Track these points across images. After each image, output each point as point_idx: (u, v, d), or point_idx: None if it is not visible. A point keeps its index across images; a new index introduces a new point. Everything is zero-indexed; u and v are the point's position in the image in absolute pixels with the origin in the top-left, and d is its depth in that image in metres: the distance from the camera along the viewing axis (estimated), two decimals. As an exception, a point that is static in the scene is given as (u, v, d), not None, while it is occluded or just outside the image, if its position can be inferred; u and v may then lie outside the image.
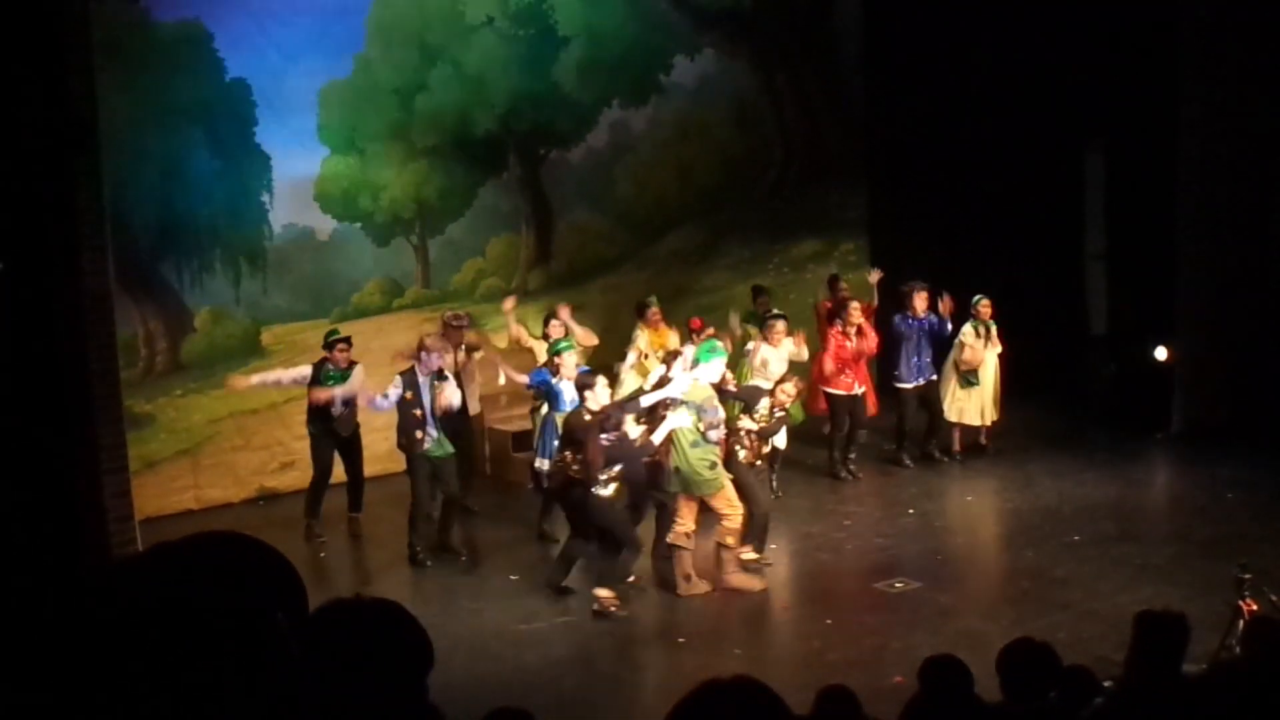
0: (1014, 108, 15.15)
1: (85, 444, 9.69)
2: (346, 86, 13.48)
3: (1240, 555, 8.92)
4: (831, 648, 9.41)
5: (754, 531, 10.57)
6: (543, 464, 11.47)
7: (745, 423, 10.74)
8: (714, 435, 10.21)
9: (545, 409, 11.61)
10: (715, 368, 10.40)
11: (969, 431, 13.67)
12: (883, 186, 16.27)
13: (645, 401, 10.25)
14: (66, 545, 9.12)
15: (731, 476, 10.35)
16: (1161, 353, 14.05)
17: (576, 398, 10.50)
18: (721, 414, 10.36)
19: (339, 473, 11.90)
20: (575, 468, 10.02)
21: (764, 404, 10.89)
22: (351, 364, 11.54)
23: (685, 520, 10.27)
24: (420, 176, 13.97)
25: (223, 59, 12.77)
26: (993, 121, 15.24)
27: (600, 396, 10.15)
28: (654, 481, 10.49)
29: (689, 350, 10.91)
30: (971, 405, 13.48)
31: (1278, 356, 13.97)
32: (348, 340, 11.59)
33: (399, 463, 12.04)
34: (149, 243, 12.55)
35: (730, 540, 10.33)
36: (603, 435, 9.90)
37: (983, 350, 13.36)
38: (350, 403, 11.56)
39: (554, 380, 11.38)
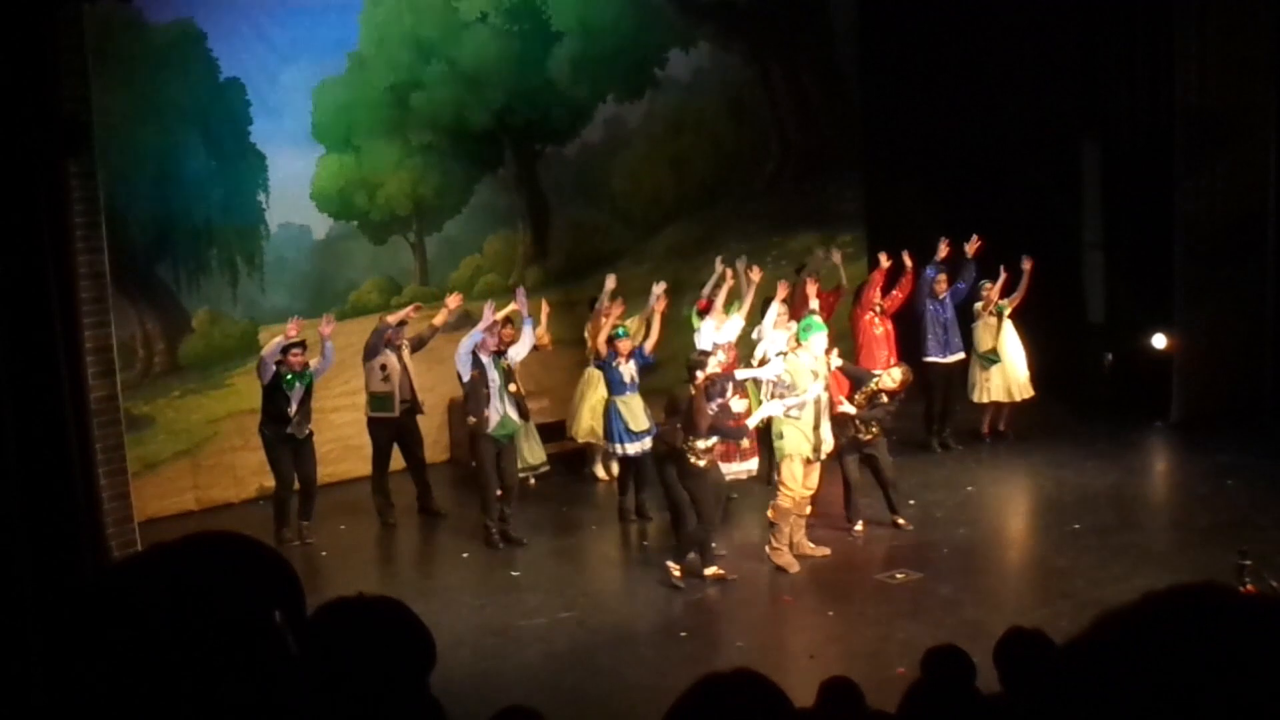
0: (1011, 97, 15.15)
1: (83, 446, 9.67)
2: (341, 84, 13.46)
3: (1240, 542, 8.95)
4: (833, 639, 9.42)
5: (850, 505, 11.30)
6: (615, 448, 11.94)
7: (844, 406, 11.13)
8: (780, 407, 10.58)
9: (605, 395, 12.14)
10: (816, 342, 10.73)
11: (997, 415, 13.71)
12: (879, 178, 16.25)
13: (740, 376, 10.74)
14: (66, 548, 9.10)
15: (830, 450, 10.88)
16: (1160, 341, 14.05)
17: (636, 377, 11.65)
18: (802, 386, 10.54)
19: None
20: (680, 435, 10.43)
21: (868, 386, 11.23)
22: (305, 366, 11.55)
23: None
24: (416, 174, 13.96)
25: (216, 59, 12.75)
26: (989, 111, 15.24)
27: (711, 367, 10.47)
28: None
29: (771, 331, 11.67)
30: (995, 384, 13.49)
31: (1276, 343, 13.98)
32: (302, 345, 11.55)
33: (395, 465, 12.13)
34: (145, 244, 12.54)
35: (770, 514, 10.68)
36: (709, 402, 10.13)
37: (994, 332, 13.38)
38: (305, 405, 11.59)
39: (615, 364, 11.82)
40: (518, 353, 11.52)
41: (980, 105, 15.26)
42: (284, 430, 11.52)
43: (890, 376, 11.22)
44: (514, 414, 11.41)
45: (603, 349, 12.17)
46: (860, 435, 11.18)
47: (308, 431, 11.67)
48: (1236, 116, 13.53)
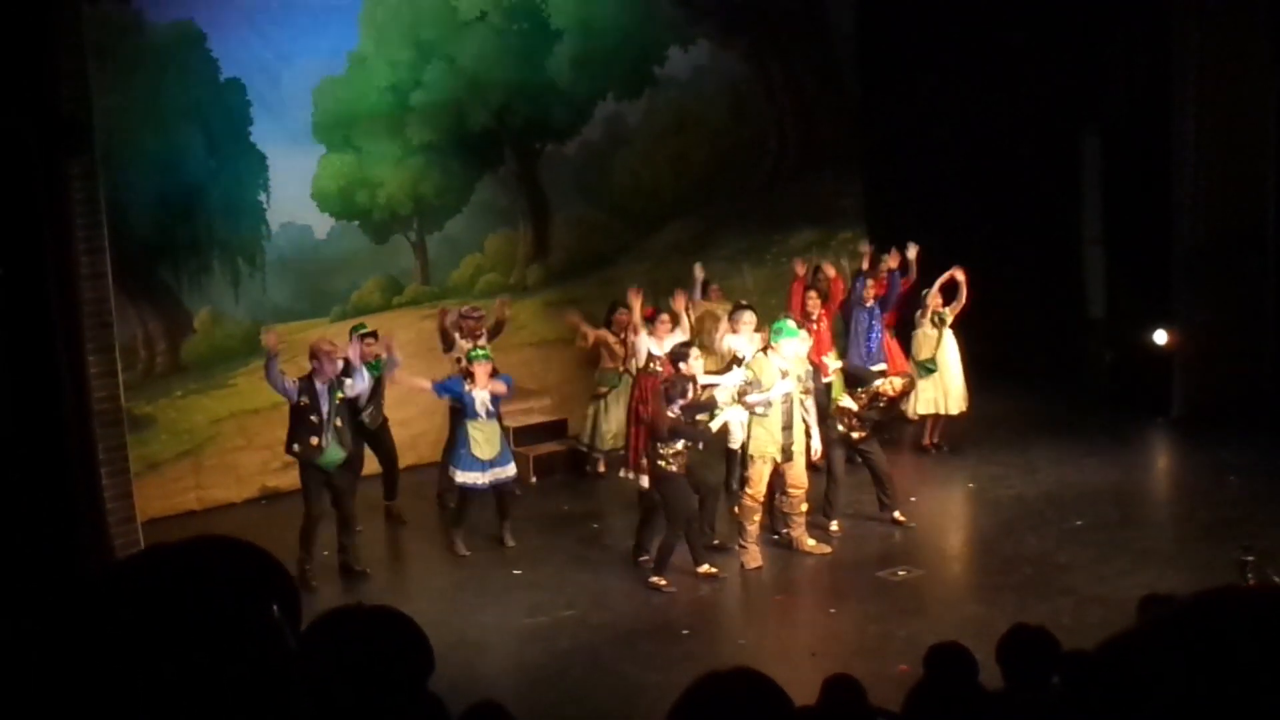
0: (1010, 92, 15.14)
1: (86, 446, 9.70)
2: (341, 84, 13.47)
3: (1242, 538, 8.96)
4: (835, 637, 9.44)
5: (831, 502, 11.27)
6: (457, 475, 11.23)
7: (845, 401, 11.23)
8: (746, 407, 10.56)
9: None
10: (787, 347, 10.58)
11: (938, 422, 13.47)
12: (879, 174, 16.25)
13: (701, 383, 10.58)
14: (68, 549, 9.13)
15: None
16: (1161, 336, 14.04)
17: (490, 408, 11.06)
18: (767, 383, 10.43)
19: (372, 465, 12.03)
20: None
21: (871, 387, 11.36)
22: (378, 358, 11.47)
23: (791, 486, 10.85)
24: (417, 173, 13.96)
25: (216, 59, 12.75)
26: (988, 106, 15.23)
27: (695, 367, 10.46)
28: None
29: (736, 338, 11.46)
30: (926, 395, 13.16)
31: (1277, 338, 13.98)
32: (374, 334, 11.57)
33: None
34: (146, 244, 12.52)
35: (736, 509, 10.81)
36: (668, 405, 10.11)
37: (934, 341, 13.23)
38: (376, 397, 11.62)
39: (466, 388, 11.20)
40: (354, 387, 10.82)
41: (979, 100, 15.26)
42: (358, 419, 11.29)
43: (891, 384, 11.44)
44: (339, 445, 10.64)
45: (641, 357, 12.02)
46: (854, 434, 11.22)
47: (382, 419, 11.90)
48: (1236, 110, 13.53)
